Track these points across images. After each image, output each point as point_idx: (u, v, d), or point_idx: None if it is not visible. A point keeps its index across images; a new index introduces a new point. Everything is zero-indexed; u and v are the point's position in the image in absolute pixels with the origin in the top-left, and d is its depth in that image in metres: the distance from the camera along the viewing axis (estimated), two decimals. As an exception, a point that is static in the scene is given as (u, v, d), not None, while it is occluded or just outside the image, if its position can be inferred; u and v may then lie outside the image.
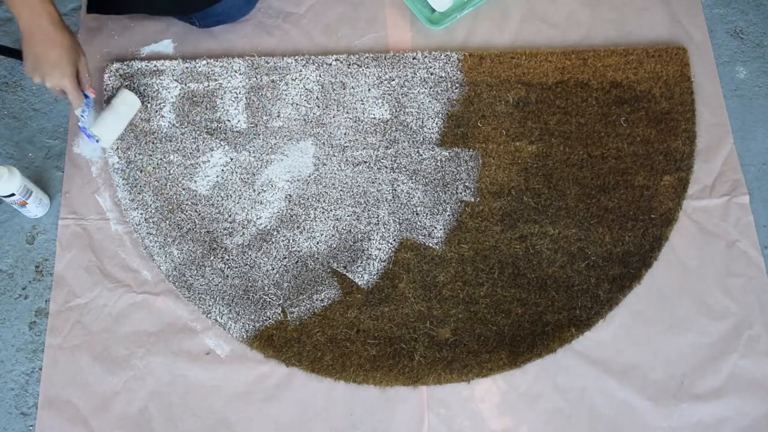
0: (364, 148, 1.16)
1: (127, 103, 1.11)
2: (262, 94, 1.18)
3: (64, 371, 1.04)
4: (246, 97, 1.18)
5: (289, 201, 1.13)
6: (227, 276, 1.08)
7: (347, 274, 1.09)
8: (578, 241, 1.10)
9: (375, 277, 1.08)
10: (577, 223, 1.11)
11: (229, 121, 1.17)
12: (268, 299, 1.07)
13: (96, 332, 1.06)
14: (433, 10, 1.25)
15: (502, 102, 1.18)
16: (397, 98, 1.18)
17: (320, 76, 1.20)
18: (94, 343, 1.06)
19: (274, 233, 1.11)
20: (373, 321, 1.06)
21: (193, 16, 1.18)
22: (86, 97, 1.04)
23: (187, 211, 1.12)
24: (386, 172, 1.14)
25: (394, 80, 1.19)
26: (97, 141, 1.09)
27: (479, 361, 1.04)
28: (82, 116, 1.06)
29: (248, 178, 1.14)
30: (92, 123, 1.08)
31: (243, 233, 1.11)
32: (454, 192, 1.13)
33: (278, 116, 1.17)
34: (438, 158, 1.15)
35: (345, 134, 1.16)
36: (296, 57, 1.21)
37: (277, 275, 1.08)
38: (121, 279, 1.09)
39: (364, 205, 1.12)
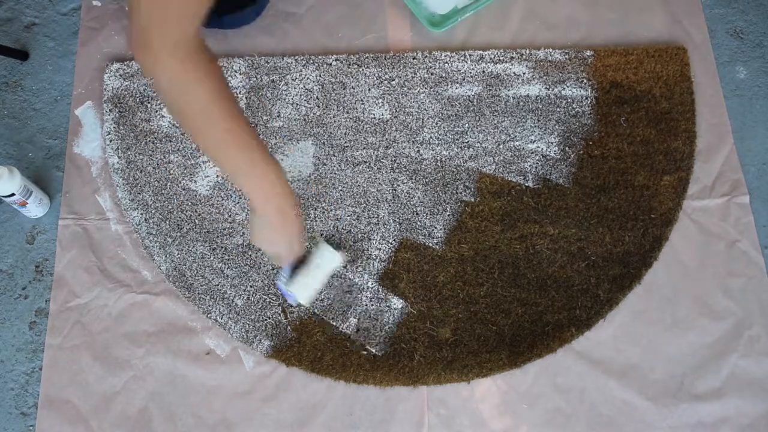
0: (364, 148, 1.16)
1: (325, 259, 1.02)
2: (262, 94, 1.18)
3: (64, 371, 1.04)
4: (246, 97, 1.18)
5: (289, 201, 1.12)
6: (227, 276, 1.08)
7: (347, 274, 1.08)
8: (578, 241, 1.10)
9: (375, 277, 1.08)
10: (577, 223, 1.11)
11: (229, 121, 1.17)
12: (268, 299, 1.07)
13: (96, 332, 1.06)
14: (434, 13, 1.25)
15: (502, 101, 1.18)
16: (397, 98, 1.18)
17: (320, 76, 1.20)
18: (94, 343, 1.06)
19: (274, 233, 1.11)
20: (373, 321, 1.06)
21: None
22: None
23: (187, 211, 1.12)
24: (386, 172, 1.14)
25: (394, 80, 1.19)
26: (293, 297, 1.00)
27: (479, 361, 1.04)
28: (281, 274, 1.00)
29: (248, 178, 1.14)
30: (289, 280, 1.00)
31: (243, 233, 1.11)
32: (454, 192, 1.13)
33: (278, 116, 1.17)
34: (438, 158, 1.15)
35: (345, 134, 1.16)
36: (296, 57, 1.21)
37: (278, 275, 1.08)
38: (121, 279, 1.09)
39: (364, 205, 1.12)
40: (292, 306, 1.05)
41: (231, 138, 0.74)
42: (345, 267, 1.06)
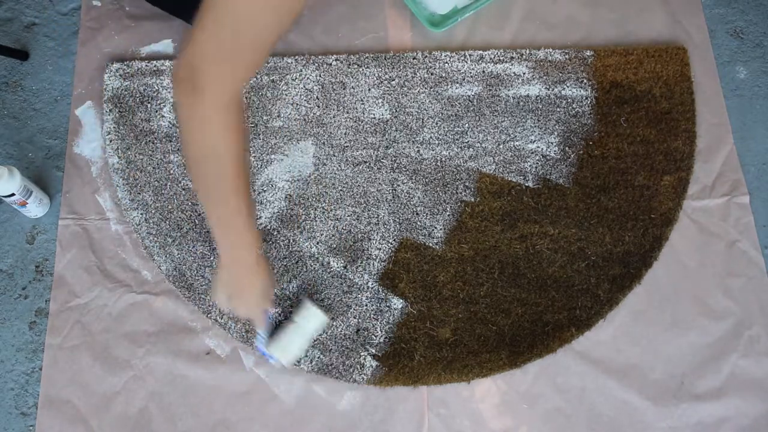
0: (364, 148, 1.16)
1: (307, 319, 0.99)
2: (262, 94, 1.18)
3: (64, 371, 1.04)
4: (246, 97, 1.18)
5: (289, 201, 1.13)
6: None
7: (347, 274, 1.09)
8: (578, 241, 1.10)
9: (375, 277, 1.08)
10: (577, 223, 1.11)
11: (229, 121, 1.17)
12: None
13: (96, 332, 1.06)
14: (434, 13, 1.25)
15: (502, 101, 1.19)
16: (397, 98, 1.18)
17: (320, 76, 1.20)
18: (94, 343, 1.06)
19: (274, 233, 1.11)
20: (373, 321, 1.06)
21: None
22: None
23: (187, 211, 1.12)
24: (386, 172, 1.14)
25: (394, 80, 1.19)
26: (276, 360, 0.98)
27: (479, 361, 1.04)
28: (259, 335, 0.98)
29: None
30: (269, 341, 0.99)
31: (243, 233, 1.10)
32: (454, 192, 1.13)
33: (278, 116, 1.17)
34: (438, 158, 1.15)
35: (345, 134, 1.16)
36: (296, 57, 1.21)
37: (277, 275, 1.08)
38: (121, 279, 1.09)
39: (364, 205, 1.12)
40: (272, 365, 1.01)
41: (227, 191, 0.76)
42: (329, 324, 1.03)
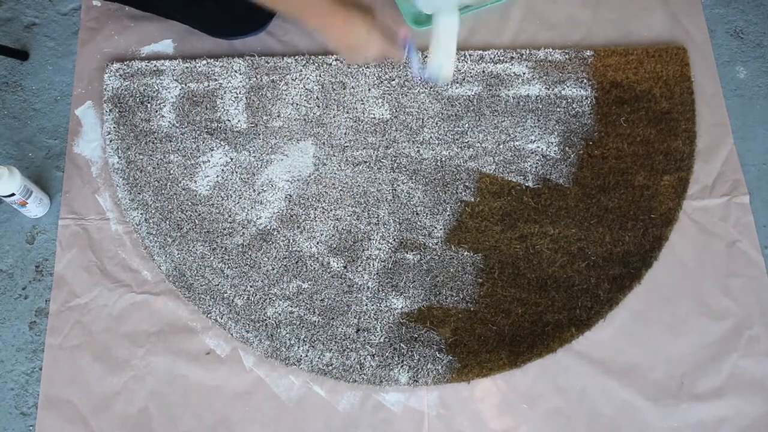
0: (364, 148, 1.16)
1: (443, 25, 0.92)
2: (262, 94, 1.19)
3: (64, 371, 1.04)
4: (246, 97, 1.18)
5: (289, 201, 1.13)
6: (227, 276, 1.08)
7: (347, 274, 1.09)
8: (578, 241, 1.10)
9: (375, 277, 1.08)
10: (577, 223, 1.11)
11: (229, 121, 1.17)
12: (268, 299, 1.07)
13: (96, 332, 1.06)
14: (421, 12, 1.23)
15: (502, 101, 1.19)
16: (397, 98, 1.18)
17: (320, 76, 1.20)
18: (94, 343, 1.06)
19: (274, 233, 1.11)
20: (373, 321, 1.06)
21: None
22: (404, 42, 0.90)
23: (187, 211, 1.12)
24: (386, 172, 1.14)
25: (394, 80, 1.19)
26: (436, 78, 0.93)
27: (479, 361, 1.04)
28: (411, 59, 0.91)
29: (248, 178, 1.14)
30: (422, 63, 0.93)
31: (243, 233, 1.11)
32: (454, 192, 1.13)
33: (278, 116, 1.17)
34: (438, 158, 1.15)
35: (345, 134, 1.16)
36: (296, 57, 1.21)
37: (277, 275, 1.08)
38: (121, 279, 1.09)
39: (364, 205, 1.12)
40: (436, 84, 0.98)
41: None
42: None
